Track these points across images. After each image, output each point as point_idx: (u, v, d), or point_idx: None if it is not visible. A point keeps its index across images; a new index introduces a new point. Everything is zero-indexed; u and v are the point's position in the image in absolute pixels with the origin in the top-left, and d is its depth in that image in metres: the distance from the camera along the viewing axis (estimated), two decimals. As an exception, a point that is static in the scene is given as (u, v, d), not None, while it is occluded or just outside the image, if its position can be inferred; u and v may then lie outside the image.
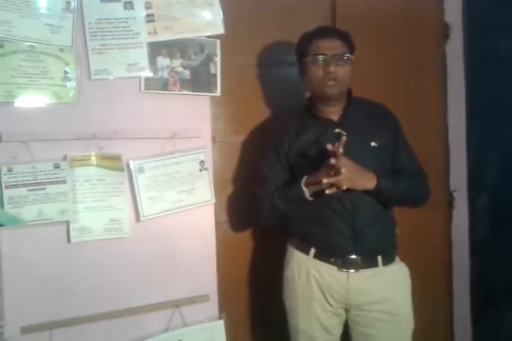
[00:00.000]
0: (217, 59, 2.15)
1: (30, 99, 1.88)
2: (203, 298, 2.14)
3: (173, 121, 2.09)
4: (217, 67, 2.15)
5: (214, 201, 2.17)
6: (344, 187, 1.77)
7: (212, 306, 2.18)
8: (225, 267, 2.27)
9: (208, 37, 2.11)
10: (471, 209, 2.73)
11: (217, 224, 2.22)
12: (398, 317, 1.95)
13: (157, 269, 2.09)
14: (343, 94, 1.99)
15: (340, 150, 1.73)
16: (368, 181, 1.85)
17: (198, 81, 2.12)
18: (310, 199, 1.88)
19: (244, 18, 2.32)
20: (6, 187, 1.84)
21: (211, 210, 2.18)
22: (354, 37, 1.98)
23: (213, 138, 2.23)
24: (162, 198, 2.07)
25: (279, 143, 2.03)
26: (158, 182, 2.06)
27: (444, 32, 2.78)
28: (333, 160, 1.72)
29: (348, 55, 1.91)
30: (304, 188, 1.87)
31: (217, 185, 2.23)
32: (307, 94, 2.10)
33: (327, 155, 1.77)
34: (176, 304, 2.09)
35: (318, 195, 1.86)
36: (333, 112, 1.99)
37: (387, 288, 1.95)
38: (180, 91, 2.09)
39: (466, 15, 2.68)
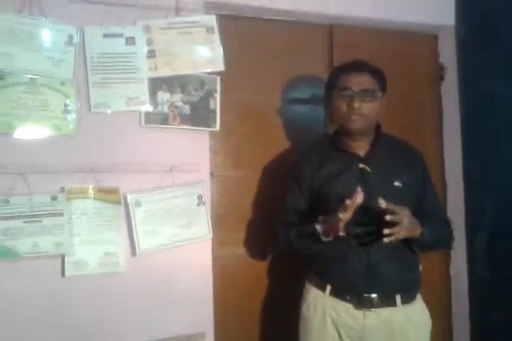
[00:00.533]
0: (217, 95, 2.17)
1: (30, 131, 1.89)
2: (199, 336, 2.09)
3: (171, 155, 2.09)
4: (216, 103, 2.17)
5: (211, 236, 2.15)
6: (401, 237, 1.71)
7: (208, 344, 2.13)
8: (222, 303, 2.23)
9: (208, 73, 2.14)
10: (469, 250, 2.70)
11: (215, 259, 2.20)
12: None
13: (152, 305, 2.05)
14: (370, 129, 1.94)
15: (358, 188, 1.69)
16: (416, 229, 1.78)
17: (197, 116, 2.13)
18: (325, 239, 1.81)
19: (243, 55, 2.37)
20: (2, 219, 1.83)
21: (208, 245, 2.17)
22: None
23: (211, 173, 2.23)
24: (159, 232, 2.05)
25: (301, 173, 1.99)
26: (156, 216, 2.05)
27: (438, 73, 2.82)
28: (341, 215, 1.66)
29: (375, 91, 1.86)
30: (318, 228, 1.81)
31: (215, 220, 2.21)
32: (329, 129, 2.09)
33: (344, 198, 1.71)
34: (172, 343, 2.05)
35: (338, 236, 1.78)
36: (360, 147, 1.94)
37: (404, 328, 1.86)
38: (179, 125, 2.11)
39: (461, 56, 2.73)
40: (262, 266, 2.40)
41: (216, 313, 2.17)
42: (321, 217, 1.83)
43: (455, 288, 2.76)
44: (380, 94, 1.89)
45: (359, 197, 1.67)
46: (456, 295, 2.75)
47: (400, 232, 1.70)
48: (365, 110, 1.84)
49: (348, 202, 1.68)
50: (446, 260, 2.78)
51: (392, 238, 1.69)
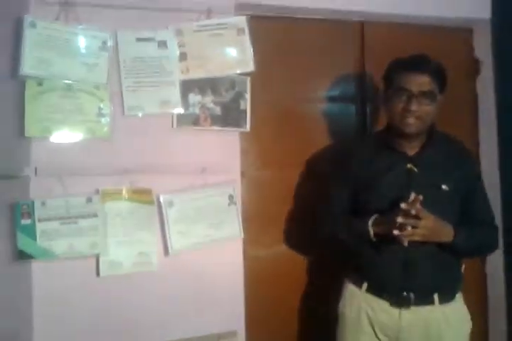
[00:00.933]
0: (247, 95, 2.19)
1: (65, 135, 1.95)
2: (231, 334, 2.13)
3: (203, 155, 2.12)
4: (247, 103, 2.18)
5: (242, 236, 2.18)
6: (416, 239, 1.70)
7: (240, 342, 2.16)
8: (253, 303, 2.25)
9: (239, 74, 2.16)
10: (506, 248, 2.66)
11: (246, 258, 2.22)
12: None
13: (184, 304, 2.09)
14: (425, 130, 1.86)
15: (420, 197, 1.67)
16: (443, 236, 1.76)
17: (228, 117, 2.16)
18: (374, 240, 1.81)
19: (273, 55, 2.37)
20: (39, 221, 1.88)
21: (239, 245, 2.19)
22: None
23: (242, 173, 2.25)
24: (191, 232, 2.08)
25: (348, 168, 1.96)
26: (188, 217, 2.08)
27: (474, 68, 2.77)
28: (400, 219, 1.66)
29: (434, 93, 1.78)
30: (370, 229, 1.80)
31: (246, 220, 2.23)
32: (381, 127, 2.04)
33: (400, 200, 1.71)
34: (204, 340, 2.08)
35: (384, 236, 1.78)
36: (410, 147, 1.88)
37: (440, 327, 1.84)
38: (210, 126, 2.13)
39: (497, 50, 2.67)
40: (294, 266, 2.42)
41: (248, 312, 2.19)
42: (375, 218, 1.82)
43: (491, 287, 2.73)
44: (439, 96, 1.81)
45: (417, 204, 1.68)
46: (493, 294, 2.71)
47: (412, 235, 1.69)
48: (422, 113, 1.77)
49: (403, 205, 1.67)
50: (482, 259, 2.73)
51: (404, 240, 1.69)
